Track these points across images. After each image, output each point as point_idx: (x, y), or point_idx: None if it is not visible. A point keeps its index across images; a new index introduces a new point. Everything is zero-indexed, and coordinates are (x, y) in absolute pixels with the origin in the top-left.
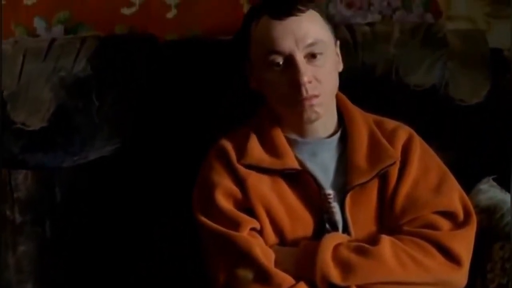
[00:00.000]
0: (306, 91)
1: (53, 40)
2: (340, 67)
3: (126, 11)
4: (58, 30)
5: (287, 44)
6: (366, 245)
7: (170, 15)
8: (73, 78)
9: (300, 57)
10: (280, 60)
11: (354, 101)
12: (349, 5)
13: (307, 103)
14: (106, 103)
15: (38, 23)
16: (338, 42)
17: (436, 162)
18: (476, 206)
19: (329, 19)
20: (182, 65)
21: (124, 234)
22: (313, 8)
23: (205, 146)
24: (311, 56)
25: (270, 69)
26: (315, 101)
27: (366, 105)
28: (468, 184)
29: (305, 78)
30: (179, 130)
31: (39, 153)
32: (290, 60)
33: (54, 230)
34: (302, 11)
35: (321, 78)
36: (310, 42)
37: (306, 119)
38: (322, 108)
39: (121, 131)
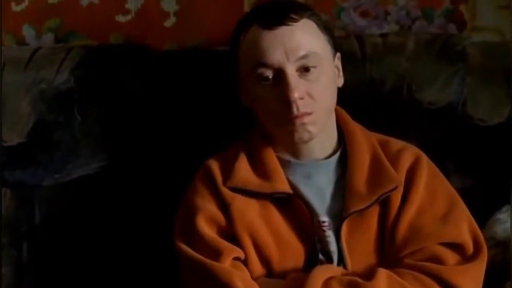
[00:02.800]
0: (297, 108)
1: (37, 50)
2: (340, 82)
3: (121, 18)
4: (48, 38)
5: (276, 56)
6: (360, 280)
7: (168, 23)
8: (54, 91)
9: (291, 71)
10: (270, 74)
11: (360, 118)
12: (364, 14)
13: (298, 121)
14: (89, 118)
15: (27, 31)
16: (338, 55)
17: (444, 188)
18: (491, 238)
19: (328, 29)
20: (174, 78)
21: (109, 259)
22: (309, 17)
23: (196, 165)
24: (304, 70)
25: (258, 84)
26: (307, 119)
27: (373, 124)
28: (486, 213)
29: (295, 94)
30: (168, 147)
31: (18, 170)
32: (280, 74)
33: (32, 254)
34: (295, 20)
35: (315, 94)
36: (303, 54)
37: (298, 139)
38: (315, 127)
39: (105, 148)
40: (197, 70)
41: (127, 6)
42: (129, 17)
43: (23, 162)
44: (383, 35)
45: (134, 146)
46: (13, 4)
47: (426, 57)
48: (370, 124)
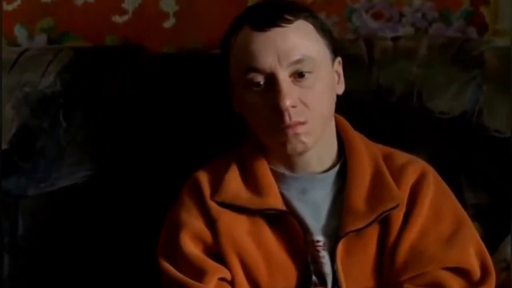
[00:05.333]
0: (290, 117)
1: (24, 51)
2: (340, 89)
3: (117, 19)
4: (41, 39)
5: (268, 60)
6: None
7: (167, 24)
8: (38, 95)
9: (283, 76)
10: (261, 79)
11: (365, 129)
12: (376, 16)
13: (290, 131)
14: (74, 124)
15: (19, 32)
16: (338, 59)
17: (451, 207)
18: (503, 260)
19: (327, 31)
20: (169, 82)
21: (96, 273)
22: (305, 19)
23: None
24: (298, 75)
25: (249, 90)
26: (300, 129)
27: (378, 135)
28: (503, 232)
29: (287, 102)
30: (160, 156)
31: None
32: (271, 79)
33: (13, 268)
34: (289, 22)
35: (309, 102)
36: (296, 58)
37: (290, 150)
38: (310, 138)
39: (92, 156)
40: (194, 75)
41: (124, 6)
42: (126, 17)
43: (6, 170)
44: (395, 39)
45: (123, 154)
46: (4, 3)
47: (439, 63)
48: (376, 135)
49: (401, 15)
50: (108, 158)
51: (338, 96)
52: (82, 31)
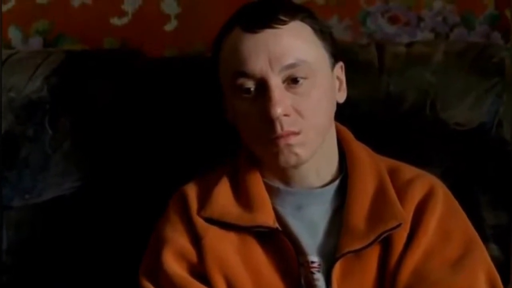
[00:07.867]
0: (281, 126)
1: (13, 54)
2: (341, 97)
3: (116, 21)
4: (36, 42)
5: (258, 64)
6: None
7: (169, 27)
8: (24, 100)
9: (275, 82)
10: (251, 85)
11: (373, 141)
12: (393, 20)
13: (282, 142)
14: (61, 132)
15: (14, 33)
16: (340, 64)
17: (462, 228)
18: None
19: (326, 34)
20: (164, 88)
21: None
22: (302, 20)
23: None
24: (292, 81)
25: (239, 97)
26: (293, 140)
27: (387, 147)
28: None
29: (278, 110)
30: (152, 166)
31: None
32: (262, 85)
33: None
34: (284, 22)
35: (304, 110)
36: (290, 62)
37: (283, 163)
38: (305, 150)
39: (79, 166)
40: (193, 80)
41: (123, 7)
42: (125, 19)
43: None
44: (409, 44)
45: (111, 165)
46: None
47: (455, 70)
48: (384, 147)
49: (420, 19)
50: (96, 169)
51: (343, 105)
52: (79, 33)
